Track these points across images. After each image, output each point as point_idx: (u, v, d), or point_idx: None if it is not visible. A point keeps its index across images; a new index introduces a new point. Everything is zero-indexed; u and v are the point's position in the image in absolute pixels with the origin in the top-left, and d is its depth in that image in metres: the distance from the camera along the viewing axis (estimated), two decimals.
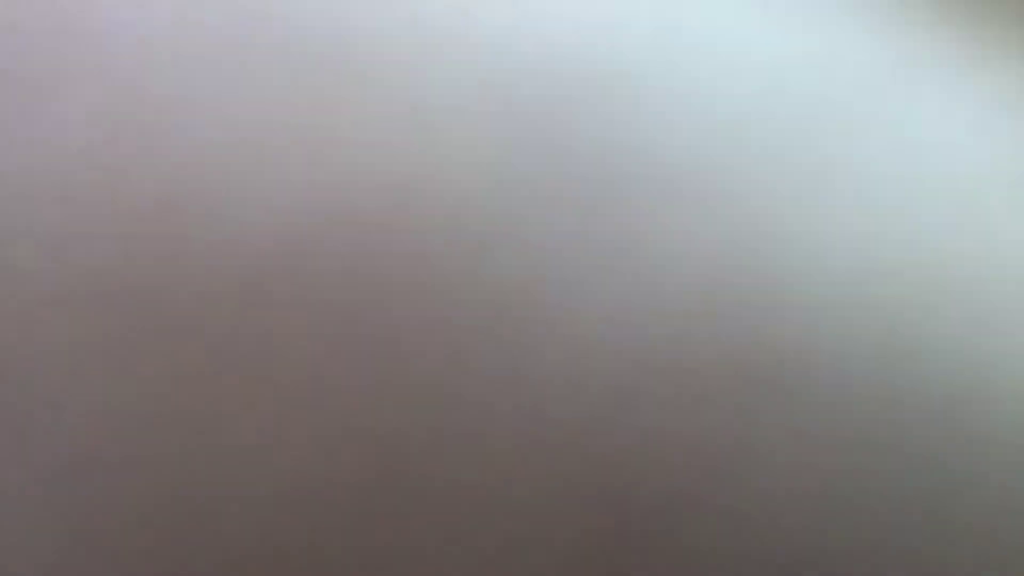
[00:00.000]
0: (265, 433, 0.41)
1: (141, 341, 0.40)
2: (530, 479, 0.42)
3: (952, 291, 0.43)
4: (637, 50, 0.43)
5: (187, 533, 0.42)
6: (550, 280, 0.42)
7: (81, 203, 0.41)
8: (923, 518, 0.42)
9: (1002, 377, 0.42)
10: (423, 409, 0.41)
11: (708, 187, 0.43)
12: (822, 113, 0.43)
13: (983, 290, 0.43)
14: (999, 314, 0.43)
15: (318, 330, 0.41)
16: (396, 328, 0.41)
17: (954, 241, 0.43)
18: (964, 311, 0.43)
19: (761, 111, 0.43)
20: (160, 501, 0.42)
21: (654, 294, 0.42)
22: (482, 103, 0.42)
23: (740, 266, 0.42)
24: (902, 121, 0.43)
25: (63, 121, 0.42)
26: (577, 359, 0.42)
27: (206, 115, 0.41)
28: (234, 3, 0.43)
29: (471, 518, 0.42)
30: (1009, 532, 0.42)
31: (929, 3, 0.45)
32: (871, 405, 0.42)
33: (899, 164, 0.43)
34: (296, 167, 0.41)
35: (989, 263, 0.43)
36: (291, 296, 0.41)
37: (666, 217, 0.42)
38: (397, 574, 0.42)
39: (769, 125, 0.43)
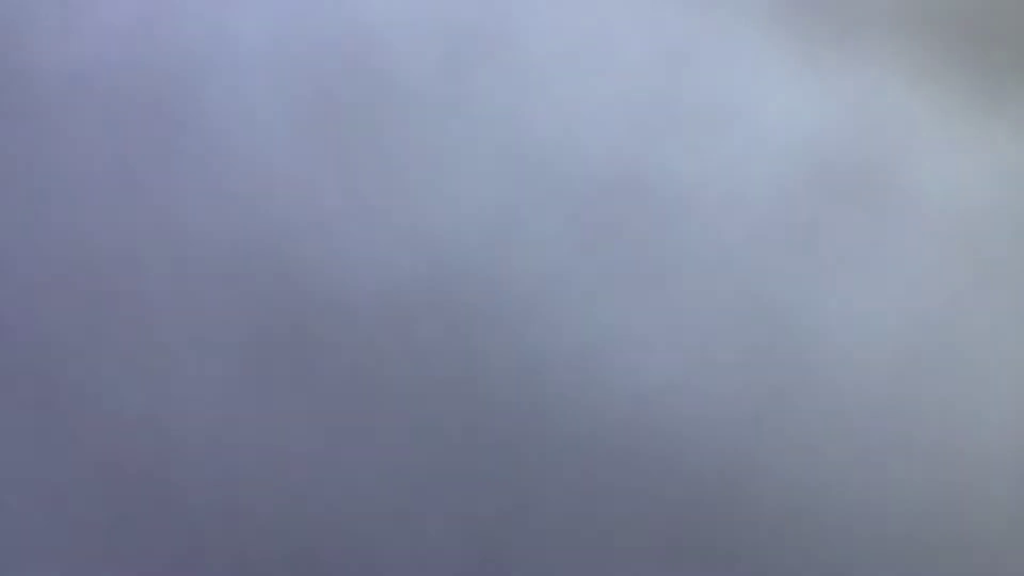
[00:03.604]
0: (373, 475, 0.43)
1: (260, 383, 0.42)
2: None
3: (961, 303, 0.43)
4: (670, 154, 0.44)
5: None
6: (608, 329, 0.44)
7: (215, 262, 0.43)
8: (932, 528, 0.43)
9: (1006, 392, 0.42)
10: (513, 446, 0.42)
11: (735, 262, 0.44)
12: (852, 186, 0.43)
13: (992, 302, 0.43)
14: (1003, 333, 0.43)
15: (417, 375, 0.42)
16: (489, 376, 0.41)
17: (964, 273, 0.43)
18: (971, 320, 0.43)
19: (793, 189, 0.44)
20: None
21: (687, 324, 0.44)
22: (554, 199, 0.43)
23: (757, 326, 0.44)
24: (919, 193, 0.43)
25: (186, 186, 0.43)
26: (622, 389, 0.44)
27: (317, 185, 0.42)
28: (346, 89, 0.44)
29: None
30: (1013, 542, 0.42)
31: (944, 64, 0.45)
32: (881, 418, 0.43)
33: (918, 234, 0.43)
34: (396, 233, 0.42)
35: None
36: (393, 345, 0.42)
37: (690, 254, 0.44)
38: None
39: (801, 204, 0.44)
